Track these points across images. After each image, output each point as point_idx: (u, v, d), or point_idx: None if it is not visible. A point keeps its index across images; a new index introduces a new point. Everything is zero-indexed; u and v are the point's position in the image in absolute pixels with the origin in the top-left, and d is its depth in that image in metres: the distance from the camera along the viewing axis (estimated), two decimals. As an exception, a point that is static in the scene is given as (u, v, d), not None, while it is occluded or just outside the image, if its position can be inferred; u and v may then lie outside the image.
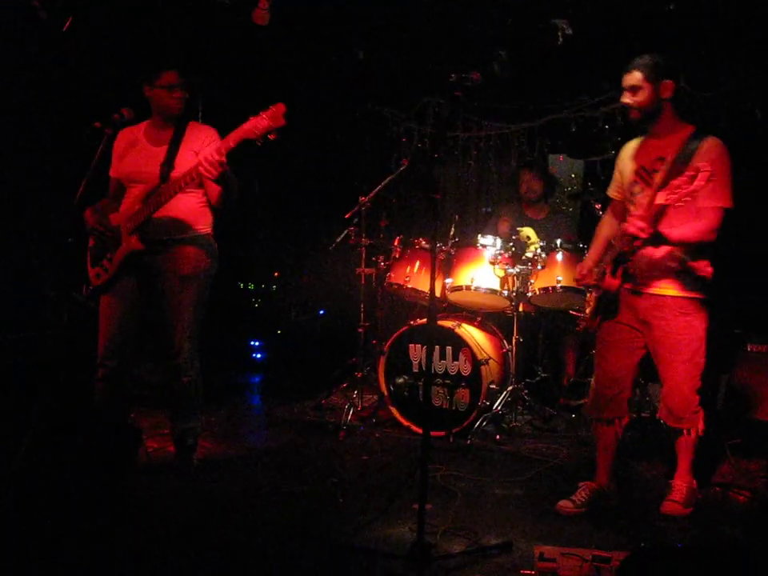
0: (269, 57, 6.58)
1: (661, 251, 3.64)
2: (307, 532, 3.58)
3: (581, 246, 5.34)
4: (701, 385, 3.80)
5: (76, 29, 5.31)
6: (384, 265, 5.88)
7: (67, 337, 4.38)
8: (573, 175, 11.36)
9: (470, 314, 5.76)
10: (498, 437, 5.17)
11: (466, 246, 5.56)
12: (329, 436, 5.26)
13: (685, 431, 3.83)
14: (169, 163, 4.09)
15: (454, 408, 5.27)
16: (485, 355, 5.26)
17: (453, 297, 5.54)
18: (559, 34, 5.76)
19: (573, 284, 5.06)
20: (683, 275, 3.68)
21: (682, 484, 3.88)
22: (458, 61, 5.50)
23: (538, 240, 5.46)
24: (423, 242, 5.63)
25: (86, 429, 3.40)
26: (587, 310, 4.02)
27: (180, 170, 4.03)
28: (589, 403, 4.11)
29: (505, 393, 5.36)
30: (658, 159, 3.71)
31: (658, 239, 3.55)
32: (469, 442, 5.01)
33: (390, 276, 5.69)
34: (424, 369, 5.18)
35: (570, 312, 5.33)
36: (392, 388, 5.48)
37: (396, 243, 5.79)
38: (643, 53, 3.73)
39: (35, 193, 5.54)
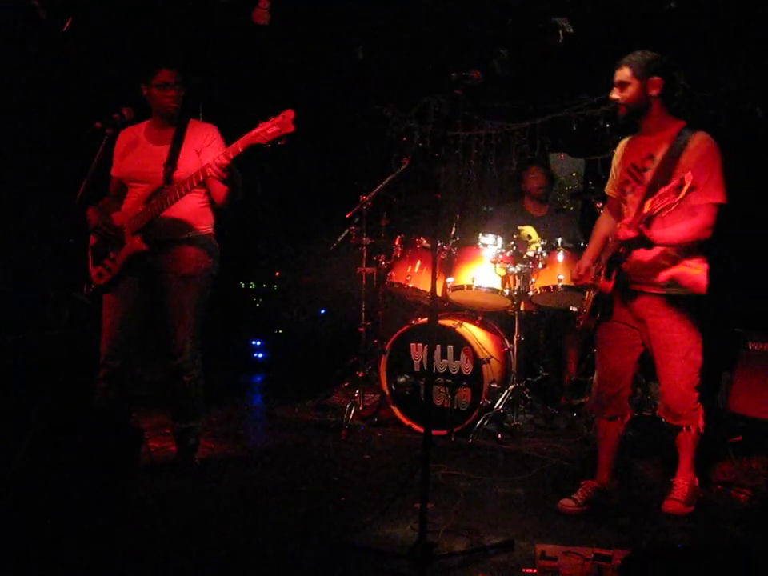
0: (269, 56, 6.59)
1: (654, 251, 3.64)
2: (309, 531, 3.58)
3: (582, 245, 5.34)
4: (699, 382, 3.80)
5: (76, 28, 5.31)
6: (385, 264, 5.88)
7: (68, 337, 4.38)
8: (574, 174, 11.35)
9: (471, 313, 5.76)
10: (499, 436, 5.17)
11: (466, 245, 5.56)
12: (330, 435, 5.26)
13: (684, 428, 3.83)
14: (172, 163, 4.09)
15: (455, 407, 5.27)
16: (486, 354, 5.26)
17: (454, 296, 5.54)
18: (560, 32, 5.76)
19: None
20: (677, 273, 3.68)
21: (683, 482, 3.88)
22: (458, 60, 5.50)
23: (539, 239, 5.46)
24: (424, 242, 5.63)
25: (87, 429, 3.40)
26: (585, 309, 4.02)
27: (183, 169, 4.04)
28: (591, 402, 4.11)
29: (506, 392, 5.36)
30: (648, 157, 3.72)
31: (650, 244, 3.54)
32: (470, 441, 5.01)
33: (391, 275, 5.69)
34: (425, 368, 5.17)
35: (571, 309, 5.34)
36: (393, 387, 5.49)
37: (397, 242, 5.79)
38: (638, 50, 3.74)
39: (35, 193, 5.55)
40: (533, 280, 5.33)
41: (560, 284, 5.22)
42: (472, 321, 5.64)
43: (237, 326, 7.41)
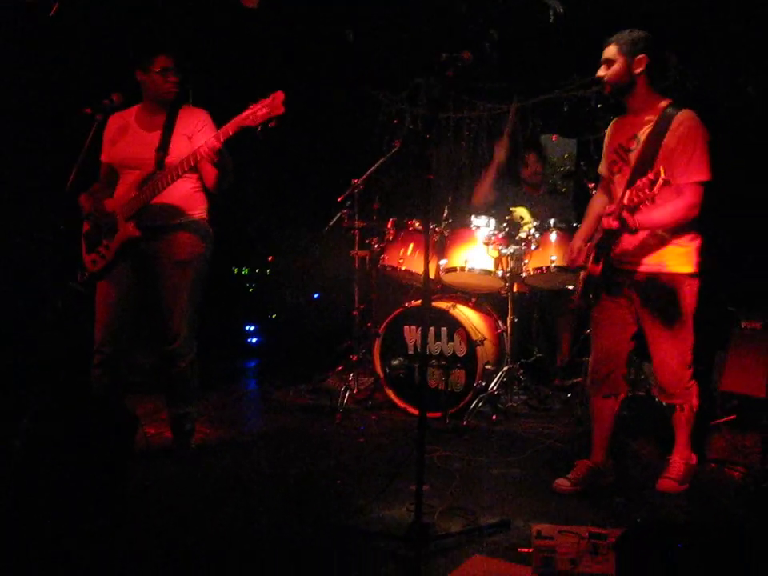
0: (259, 40, 6.55)
1: (641, 234, 3.64)
2: (305, 515, 3.59)
3: (575, 225, 5.34)
4: (691, 360, 3.81)
5: (63, 14, 5.27)
6: (378, 247, 5.88)
7: (62, 324, 4.37)
8: (566, 155, 11.36)
9: (464, 294, 5.77)
10: (493, 417, 5.19)
11: (459, 226, 5.56)
12: (325, 419, 5.27)
13: (678, 407, 3.85)
14: (163, 148, 4.08)
15: (449, 389, 5.28)
16: (480, 336, 5.26)
17: (447, 278, 5.54)
18: (551, 13, 5.74)
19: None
20: (666, 251, 3.69)
21: (679, 460, 3.90)
22: (448, 41, 5.48)
23: (532, 220, 5.46)
24: (416, 224, 5.62)
25: (82, 416, 3.39)
26: (578, 290, 4.02)
27: (175, 154, 4.03)
28: (587, 381, 4.12)
29: (500, 373, 5.37)
30: (633, 137, 3.72)
31: (635, 231, 3.53)
32: (465, 422, 5.03)
33: (383, 258, 5.69)
34: (419, 350, 5.19)
35: (567, 287, 5.35)
36: (388, 370, 5.50)
37: (389, 225, 5.78)
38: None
39: (25, 181, 5.51)
40: (526, 261, 5.33)
41: (553, 265, 5.22)
42: (465, 303, 5.64)
43: (230, 311, 7.40)
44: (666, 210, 3.58)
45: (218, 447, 4.62)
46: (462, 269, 5.35)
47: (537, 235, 5.32)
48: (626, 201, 3.40)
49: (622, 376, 3.96)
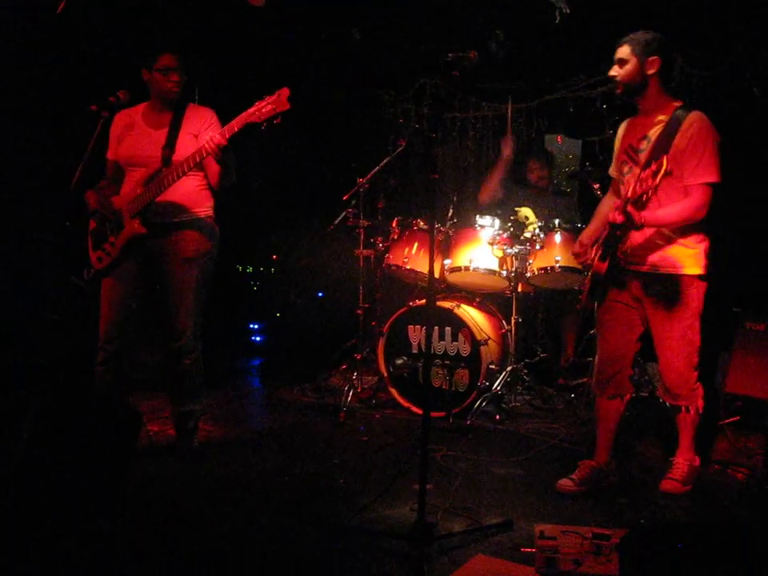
0: (265, 38, 6.55)
1: (649, 231, 3.65)
2: (308, 513, 3.59)
3: (579, 226, 5.34)
4: (698, 362, 3.81)
5: (65, 12, 5.27)
6: (382, 246, 5.88)
7: (64, 322, 4.38)
8: (570, 155, 11.33)
9: (468, 294, 5.77)
10: (497, 417, 5.19)
11: (464, 226, 5.56)
12: (329, 418, 5.28)
13: (683, 409, 3.84)
14: (170, 146, 4.09)
15: (453, 389, 5.28)
16: (484, 336, 5.26)
17: (451, 277, 5.54)
18: (557, 12, 5.73)
19: (571, 264, 5.07)
20: (673, 252, 3.68)
21: (682, 462, 3.89)
22: (454, 41, 5.47)
23: (536, 220, 5.46)
24: (421, 223, 5.63)
25: (83, 415, 3.39)
26: (585, 290, 4.02)
27: (181, 152, 4.04)
28: (593, 382, 4.12)
29: (504, 373, 5.37)
30: (643, 138, 3.72)
31: (640, 226, 3.53)
32: (468, 422, 5.03)
33: (388, 257, 5.69)
34: (423, 350, 5.20)
35: (575, 288, 5.35)
36: (391, 369, 5.49)
37: (394, 224, 5.78)
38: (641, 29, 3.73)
39: (26, 181, 5.52)
40: (530, 261, 5.33)
41: (557, 265, 5.22)
42: (470, 302, 5.64)
43: (235, 310, 7.40)
44: (673, 208, 3.59)
45: (221, 445, 4.62)
46: (467, 268, 5.35)
47: (541, 235, 5.32)
48: (629, 193, 3.41)
49: (627, 377, 3.96)
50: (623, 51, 3.69)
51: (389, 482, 3.75)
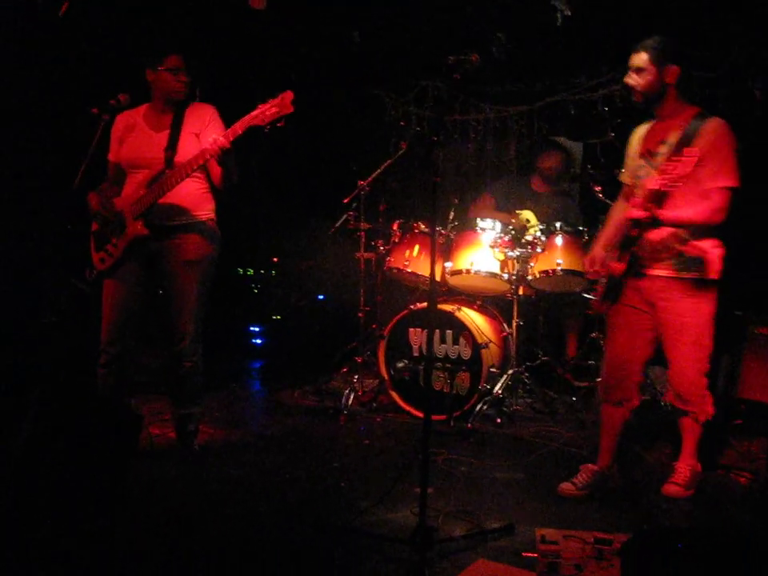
0: (266, 41, 6.55)
1: (664, 233, 3.62)
2: (308, 516, 3.58)
3: (581, 228, 5.33)
4: (708, 368, 3.78)
5: (71, 14, 5.27)
6: (383, 249, 5.88)
7: (64, 323, 4.37)
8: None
9: (469, 297, 5.75)
10: (498, 420, 5.18)
11: (465, 229, 5.55)
12: (329, 421, 5.27)
13: (692, 414, 3.82)
14: (172, 148, 4.09)
15: (454, 392, 5.27)
16: (485, 339, 5.25)
17: (453, 280, 5.53)
18: (558, 15, 5.72)
19: (573, 267, 5.07)
20: (688, 256, 3.67)
21: (685, 467, 3.87)
22: (456, 43, 5.46)
23: (538, 223, 5.45)
24: (422, 226, 5.62)
25: (83, 415, 3.38)
26: (598, 294, 4.00)
27: (183, 153, 4.04)
28: (599, 386, 4.10)
29: (505, 376, 5.36)
30: (661, 142, 3.71)
31: (658, 223, 3.54)
32: (470, 425, 5.01)
33: (389, 260, 5.68)
34: (424, 353, 5.20)
35: (583, 295, 5.34)
36: (392, 372, 5.48)
37: (395, 227, 5.77)
38: (652, 34, 3.71)
39: (26, 181, 5.51)
40: (531, 264, 5.32)
41: (559, 268, 5.21)
42: (471, 305, 5.63)
43: (235, 312, 7.39)
44: (692, 208, 3.59)
45: (221, 448, 4.61)
46: (468, 271, 5.34)
47: (543, 238, 5.31)
48: (654, 186, 3.42)
49: (635, 383, 3.92)
50: (641, 59, 3.68)
51: (390, 486, 3.73)
